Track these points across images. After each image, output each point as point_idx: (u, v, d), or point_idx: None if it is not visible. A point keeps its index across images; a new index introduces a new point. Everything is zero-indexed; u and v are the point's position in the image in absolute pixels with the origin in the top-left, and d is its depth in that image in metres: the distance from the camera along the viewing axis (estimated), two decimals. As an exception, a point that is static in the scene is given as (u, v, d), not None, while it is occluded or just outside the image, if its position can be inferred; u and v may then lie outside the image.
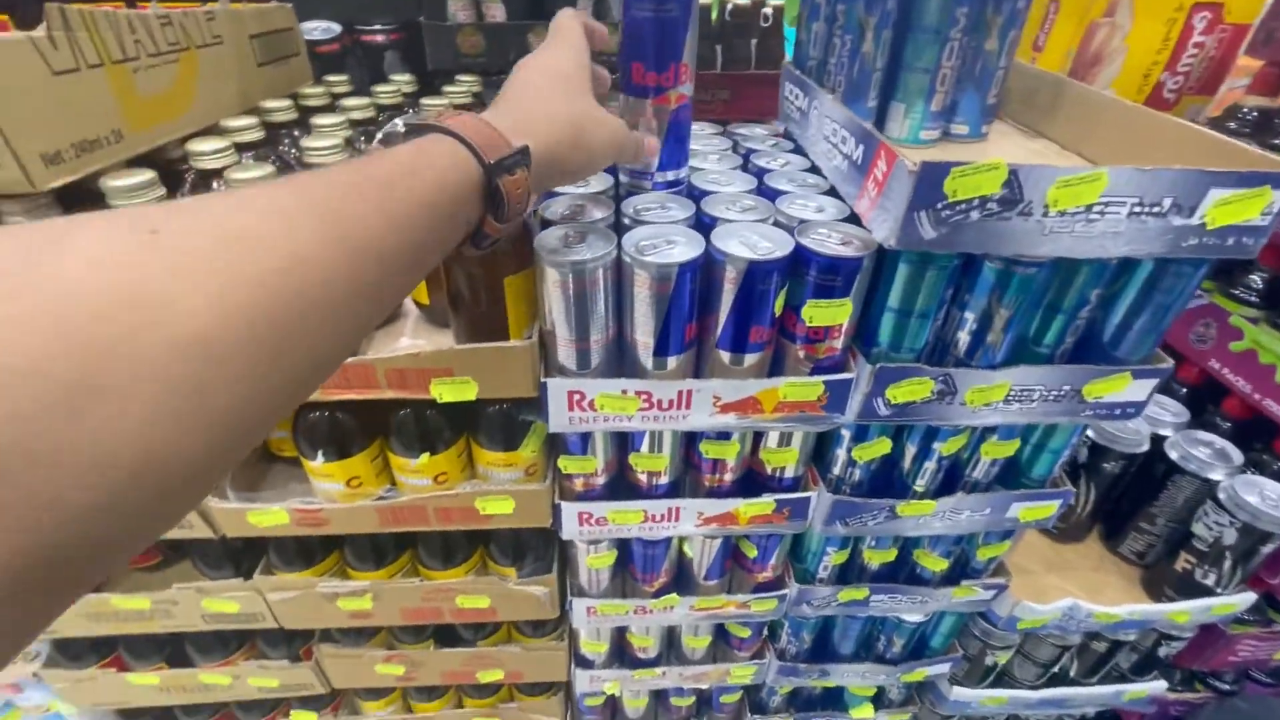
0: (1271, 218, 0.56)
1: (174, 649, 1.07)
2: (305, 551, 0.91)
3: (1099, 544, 1.22)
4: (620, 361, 0.70)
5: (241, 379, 0.24)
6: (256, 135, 0.76)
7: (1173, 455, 1.06)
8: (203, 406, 0.22)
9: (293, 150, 0.79)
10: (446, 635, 1.10)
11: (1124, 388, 0.70)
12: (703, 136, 0.97)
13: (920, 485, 0.83)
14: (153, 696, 1.08)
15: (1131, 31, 1.15)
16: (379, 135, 0.83)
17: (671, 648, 1.15)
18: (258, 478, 0.88)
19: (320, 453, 0.76)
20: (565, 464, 0.79)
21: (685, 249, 0.62)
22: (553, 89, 0.52)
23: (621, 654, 1.15)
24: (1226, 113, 1.15)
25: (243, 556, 0.93)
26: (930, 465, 0.81)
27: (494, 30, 1.16)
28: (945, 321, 0.68)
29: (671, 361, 0.68)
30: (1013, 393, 0.71)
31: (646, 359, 0.67)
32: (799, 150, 0.90)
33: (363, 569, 0.92)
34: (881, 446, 0.79)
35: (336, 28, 1.19)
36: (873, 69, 0.78)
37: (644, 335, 0.66)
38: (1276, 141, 1.04)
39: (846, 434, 0.79)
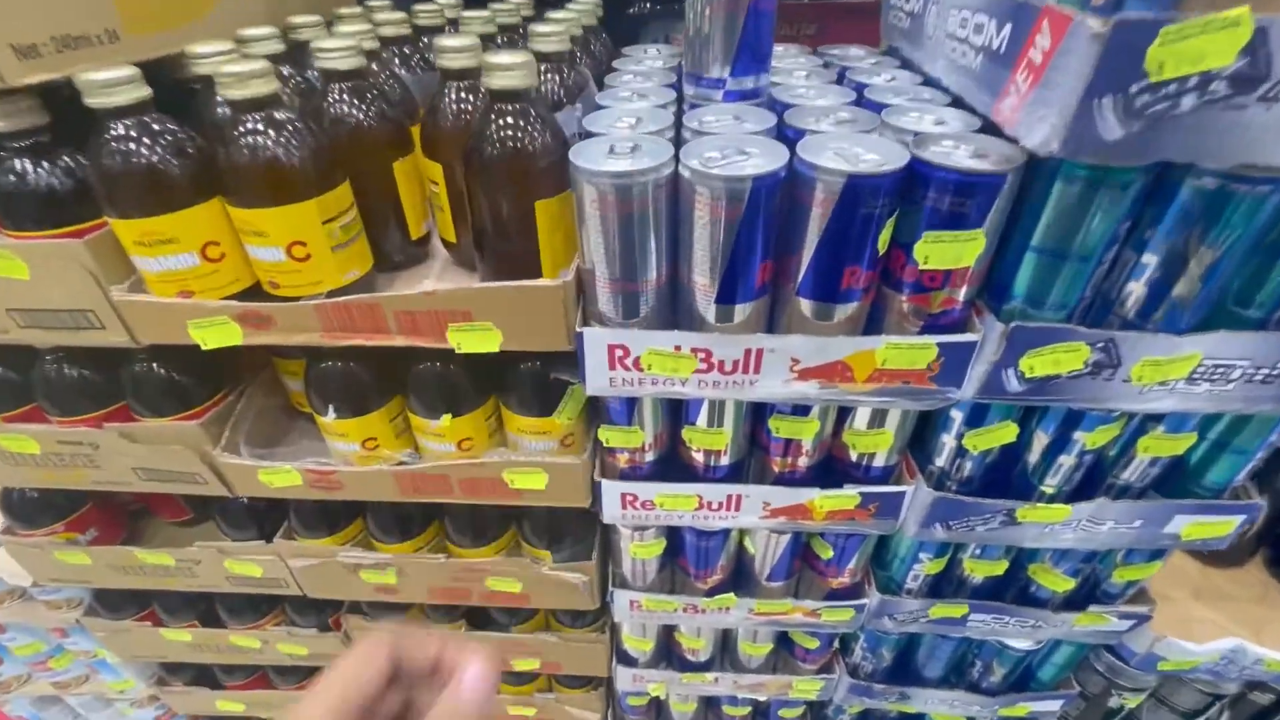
0: None
1: (206, 608, 1.04)
2: (328, 517, 0.84)
3: (1262, 571, 0.99)
4: (674, 311, 0.57)
5: None
6: (274, 48, 0.67)
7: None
8: None
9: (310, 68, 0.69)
10: (479, 618, 1.02)
11: (1371, 368, 0.51)
12: (786, 56, 0.81)
13: (1050, 485, 0.66)
14: (187, 653, 1.06)
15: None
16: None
17: (726, 652, 1.02)
18: (279, 434, 0.81)
19: (332, 408, 0.67)
20: (607, 435, 0.67)
21: (762, 161, 0.47)
22: None
23: (669, 653, 1.03)
24: None
25: (266, 519, 0.87)
26: (1067, 460, 0.63)
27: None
28: (1113, 267, 0.51)
29: (739, 311, 0.54)
30: (1202, 368, 0.52)
31: (707, 307, 0.54)
32: (906, 69, 0.73)
33: (386, 540, 0.84)
34: (1004, 434, 0.63)
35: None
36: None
37: (704, 276, 0.52)
38: None
39: (958, 416, 0.63)
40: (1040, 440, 0.64)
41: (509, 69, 0.51)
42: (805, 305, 0.54)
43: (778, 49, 0.86)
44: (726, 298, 0.53)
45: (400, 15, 0.78)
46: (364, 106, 0.60)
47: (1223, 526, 0.66)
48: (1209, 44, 0.36)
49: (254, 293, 0.60)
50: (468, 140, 0.54)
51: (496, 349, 0.58)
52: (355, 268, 0.61)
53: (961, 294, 0.52)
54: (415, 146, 0.65)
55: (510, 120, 0.53)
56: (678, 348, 0.55)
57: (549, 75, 0.67)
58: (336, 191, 0.57)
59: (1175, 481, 0.67)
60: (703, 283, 0.53)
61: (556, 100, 0.68)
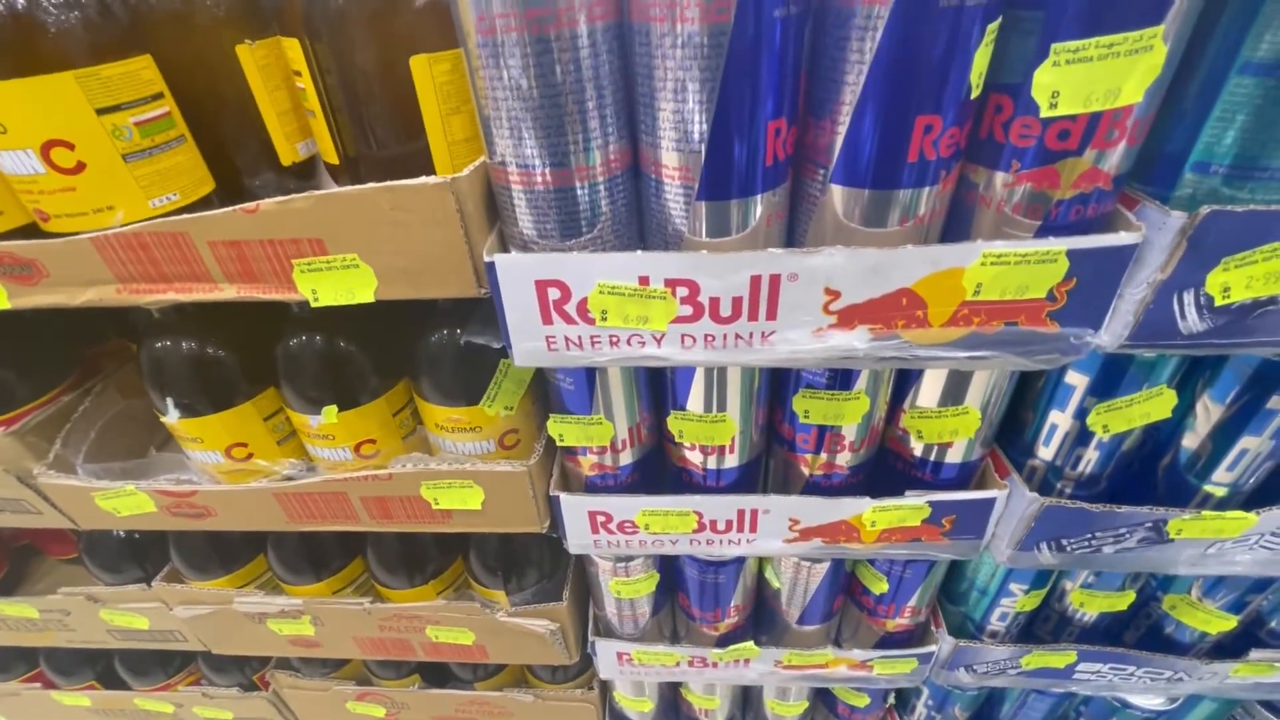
0: None
1: (105, 666, 0.84)
2: (221, 550, 0.65)
3: None
4: (641, 222, 0.37)
5: None
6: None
7: None
8: None
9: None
10: (435, 672, 0.81)
11: None
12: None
13: (1223, 482, 0.44)
14: (89, 719, 0.87)
15: None
16: None
17: (748, 711, 0.80)
18: (145, 443, 0.62)
19: (172, 402, 0.48)
20: (560, 430, 0.47)
21: (764, -72, 0.27)
22: None
23: (676, 713, 0.81)
24: None
25: (149, 554, 0.67)
26: (1257, 444, 0.42)
27: None
28: (1382, 102, 0.29)
29: (744, 209, 0.33)
30: None
31: (686, 207, 0.33)
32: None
33: (296, 580, 0.64)
34: (1159, 404, 0.41)
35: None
36: None
37: (679, 150, 0.32)
38: None
39: (1079, 381, 0.42)
40: (1211, 413, 0.42)
41: None
42: (850, 196, 0.33)
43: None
44: (717, 189, 0.32)
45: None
46: (180, -41, 0.41)
47: None
48: None
49: (27, 233, 0.41)
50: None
51: (371, 297, 0.38)
52: (173, 190, 0.41)
53: (1116, 159, 0.31)
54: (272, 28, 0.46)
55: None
56: (644, 279, 0.35)
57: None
58: (121, 66, 0.37)
59: None
60: (678, 164, 0.32)
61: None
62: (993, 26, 0.28)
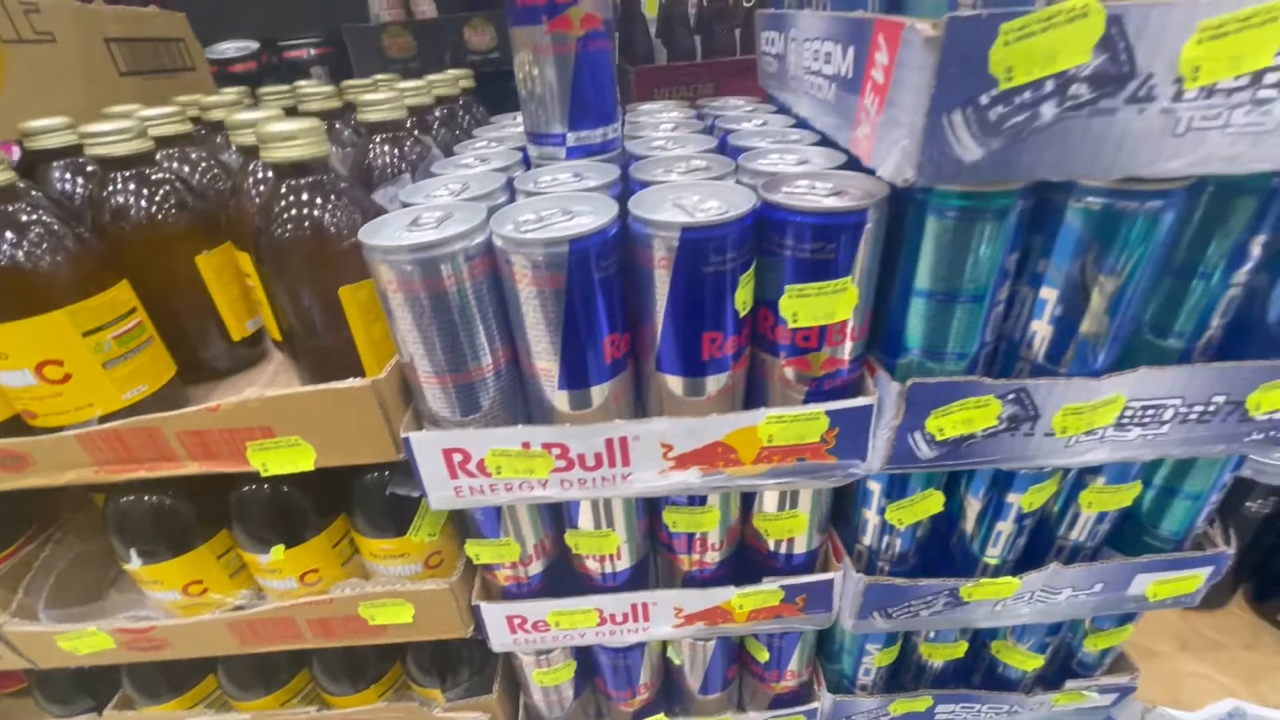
0: None
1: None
2: (171, 674, 0.70)
3: (1247, 610, 0.91)
4: (525, 399, 0.48)
5: None
6: (62, 139, 0.58)
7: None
8: None
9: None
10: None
11: (1315, 394, 0.44)
12: (660, 110, 0.77)
13: (993, 555, 0.57)
14: None
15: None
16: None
17: (675, 776, 0.88)
18: (102, 584, 0.67)
19: (135, 552, 0.55)
20: (476, 551, 0.56)
21: (585, 220, 0.40)
22: None
23: (611, 785, 0.88)
24: None
25: (99, 682, 0.72)
26: (1006, 526, 0.55)
27: (425, 27, 1.00)
28: (1011, 306, 0.44)
29: (594, 394, 0.45)
30: (1130, 411, 0.45)
31: (553, 394, 0.45)
32: (784, 114, 0.68)
33: (245, 695, 0.70)
34: (930, 503, 0.54)
35: (254, 45, 1.05)
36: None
37: (543, 358, 0.43)
38: None
39: (876, 487, 0.54)
40: (972, 506, 0.55)
41: (290, 139, 0.43)
42: (670, 381, 0.45)
43: (654, 105, 0.82)
44: (574, 382, 0.44)
45: (230, 97, 0.71)
46: (148, 198, 0.51)
47: (1190, 582, 0.58)
48: (1058, 40, 0.31)
49: (14, 427, 0.49)
50: (256, 225, 0.46)
51: (311, 467, 0.48)
52: (143, 383, 0.50)
53: (846, 351, 0.44)
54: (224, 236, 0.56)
55: (299, 197, 0.45)
56: (526, 445, 0.46)
57: (382, 147, 0.60)
58: (104, 297, 0.47)
59: (1130, 536, 0.59)
60: (544, 366, 0.44)
61: (395, 170, 0.60)
62: (746, 275, 0.41)
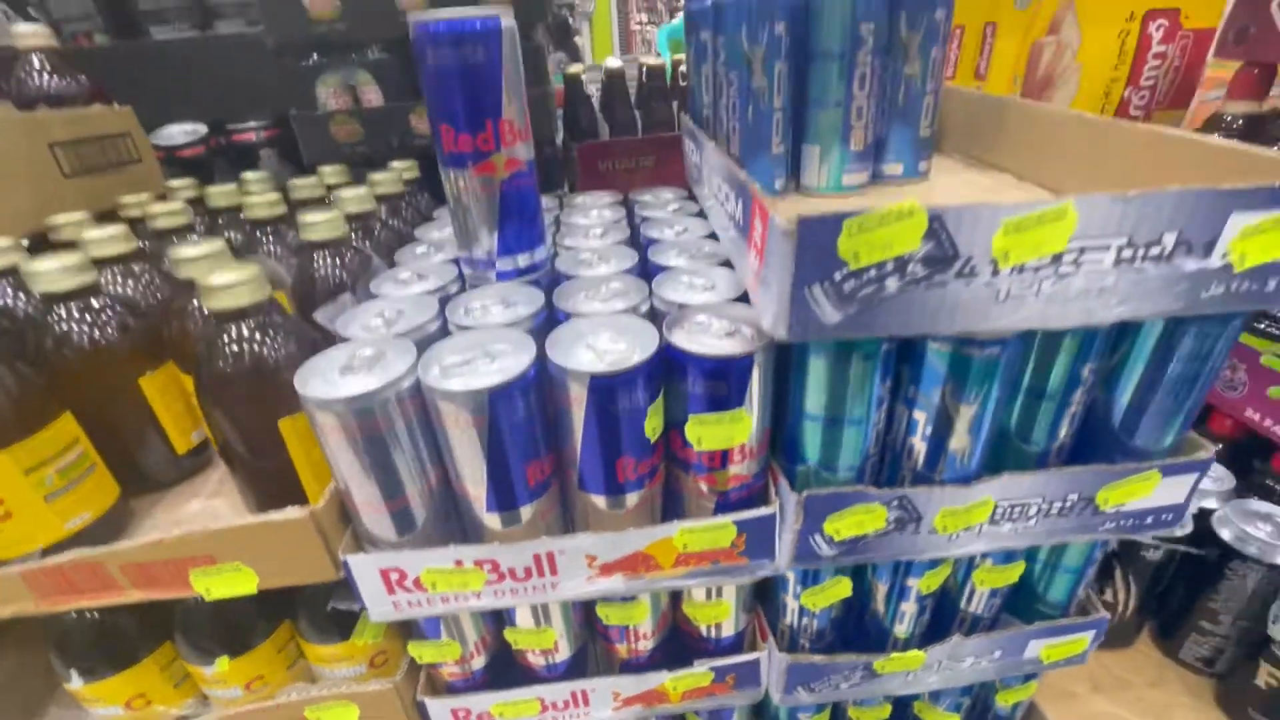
0: (1328, 247, 0.38)
1: None
2: (114, 782, 0.69)
3: (1154, 648, 0.98)
4: (456, 516, 0.51)
5: None
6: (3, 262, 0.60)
7: (1225, 535, 0.85)
8: None
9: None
10: None
11: (1152, 490, 0.51)
12: (596, 207, 0.82)
13: (901, 630, 0.62)
14: None
15: (1082, 47, 1.03)
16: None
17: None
18: (44, 698, 0.67)
19: (75, 672, 0.56)
20: (419, 651, 0.59)
21: (504, 365, 0.44)
22: None
23: None
24: (1208, 124, 1.00)
25: (37, 794, 0.71)
26: (909, 606, 0.60)
27: (371, 115, 1.04)
28: (892, 422, 0.50)
29: (524, 512, 0.49)
30: (1000, 510, 0.51)
31: (483, 514, 0.49)
32: (705, 215, 0.74)
33: (191, 799, 0.70)
34: (839, 589, 0.59)
35: (202, 129, 1.08)
36: (771, 109, 0.63)
37: (472, 485, 0.47)
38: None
39: (791, 576, 0.59)
40: (879, 589, 0.60)
41: (230, 288, 0.47)
42: (592, 498, 0.49)
43: (590, 198, 0.88)
44: (502, 504, 0.48)
45: (175, 206, 0.73)
46: (91, 326, 0.53)
47: (1077, 644, 0.64)
48: (893, 233, 0.36)
49: (-47, 558, 0.50)
50: (196, 362, 0.49)
51: (254, 590, 0.50)
52: (86, 510, 0.52)
53: (749, 468, 0.49)
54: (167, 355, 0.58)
55: (239, 337, 0.48)
56: (459, 562, 0.49)
57: (323, 261, 0.64)
58: (47, 432, 0.49)
59: (1024, 604, 0.64)
60: (473, 492, 0.48)
61: (336, 284, 0.64)
62: (654, 407, 0.46)
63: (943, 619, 0.64)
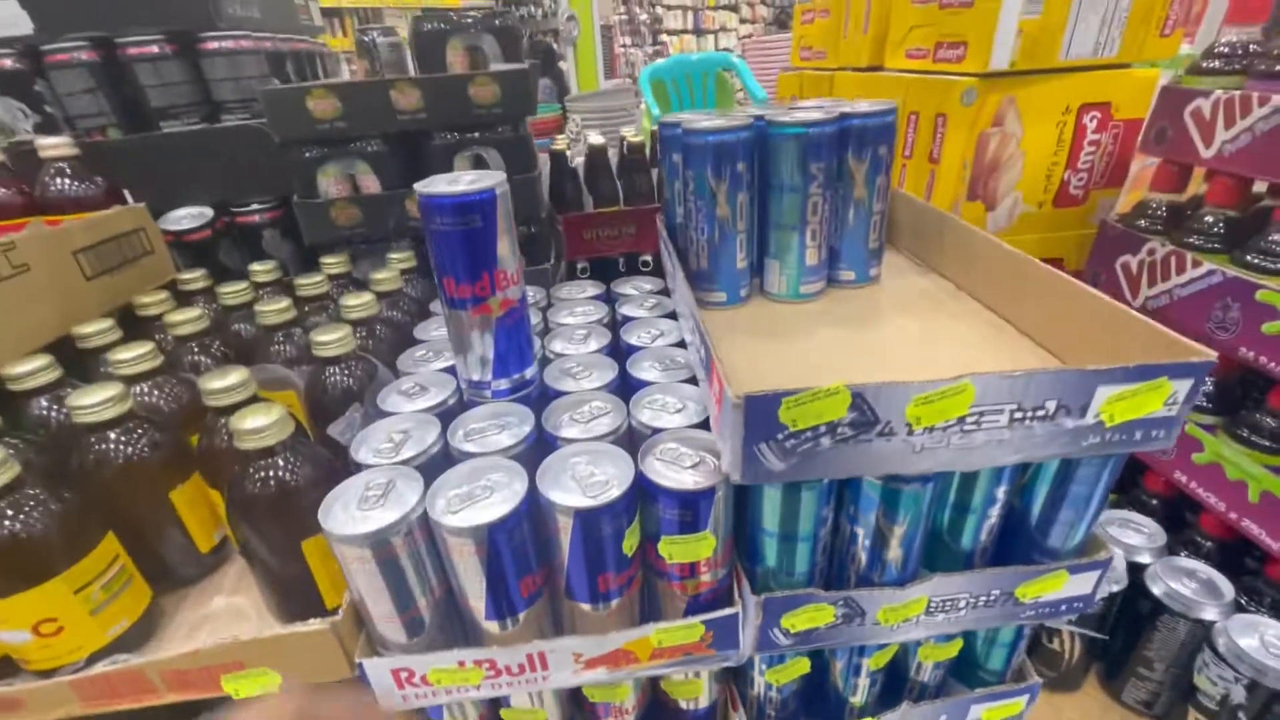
0: (1179, 406, 0.46)
1: None
2: None
3: (1100, 691, 1.06)
4: (459, 620, 0.58)
5: None
6: (43, 380, 0.66)
7: (1155, 591, 0.94)
8: None
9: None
10: None
11: (1062, 585, 0.59)
12: (579, 301, 0.89)
13: (857, 700, 0.70)
14: None
15: (1024, 136, 1.13)
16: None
17: None
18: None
19: None
20: (423, 732, 0.65)
21: (501, 497, 0.51)
22: None
23: None
24: (1136, 209, 1.10)
25: None
26: (862, 681, 0.68)
27: (369, 201, 1.11)
28: (837, 535, 0.57)
29: (519, 619, 0.56)
30: (934, 604, 0.59)
31: (482, 622, 0.55)
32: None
33: None
34: (799, 667, 0.66)
35: (209, 213, 1.14)
36: (735, 232, 0.72)
37: (473, 599, 0.54)
38: (1191, 239, 0.98)
39: (756, 657, 0.66)
40: (836, 666, 0.68)
41: (259, 432, 0.53)
42: (579, 605, 0.56)
43: (575, 288, 0.95)
44: (499, 613, 0.55)
45: (193, 314, 0.80)
46: (126, 447, 0.60)
47: (1013, 707, 0.72)
48: (823, 407, 0.44)
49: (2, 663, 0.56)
50: (227, 491, 0.55)
51: (278, 689, 0.56)
52: (124, 618, 0.58)
53: (714, 575, 0.57)
54: (193, 465, 0.65)
55: (265, 473, 0.55)
56: (461, 663, 0.56)
57: (333, 373, 0.70)
58: (93, 555, 0.55)
59: (967, 671, 0.72)
60: (474, 604, 0.54)
61: (346, 391, 0.70)
62: (631, 528, 0.53)
63: (894, 686, 0.71)
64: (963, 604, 0.59)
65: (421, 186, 0.57)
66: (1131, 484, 1.17)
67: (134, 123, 1.08)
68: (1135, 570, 0.99)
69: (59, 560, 0.53)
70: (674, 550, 0.54)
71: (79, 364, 0.74)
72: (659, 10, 8.00)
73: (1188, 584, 0.93)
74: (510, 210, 0.59)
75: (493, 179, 0.57)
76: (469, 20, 1.17)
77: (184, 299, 0.94)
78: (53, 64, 1.03)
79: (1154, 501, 1.12)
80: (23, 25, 1.06)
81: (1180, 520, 1.08)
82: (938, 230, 0.80)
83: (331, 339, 0.69)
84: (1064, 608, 0.61)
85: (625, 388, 0.66)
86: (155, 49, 1.04)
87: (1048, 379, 0.44)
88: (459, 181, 0.57)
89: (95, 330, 0.76)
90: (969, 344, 0.63)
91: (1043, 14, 1.04)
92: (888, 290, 0.78)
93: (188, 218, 1.13)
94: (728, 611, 0.57)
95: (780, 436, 0.45)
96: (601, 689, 0.65)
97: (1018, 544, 0.59)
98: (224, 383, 0.60)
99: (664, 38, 8.03)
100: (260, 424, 0.53)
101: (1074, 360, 0.56)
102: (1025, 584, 0.58)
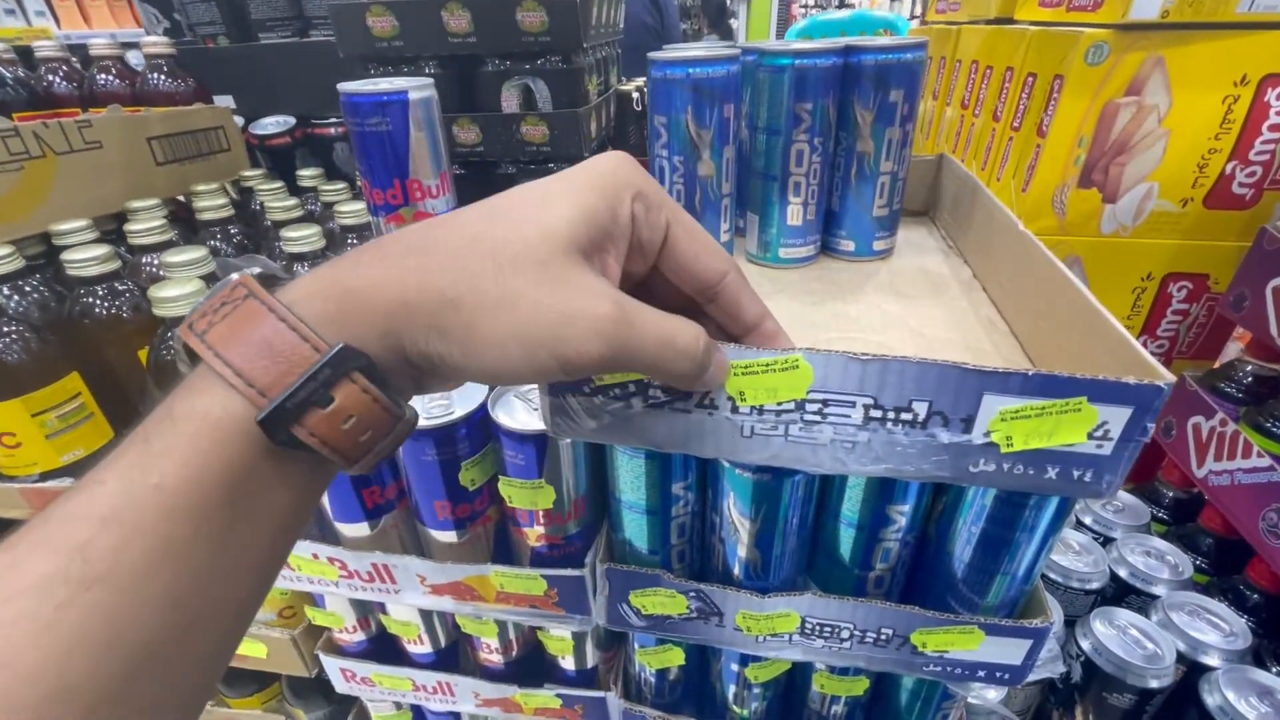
0: (1112, 444, 0.34)
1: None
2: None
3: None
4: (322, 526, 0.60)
5: None
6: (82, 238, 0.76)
7: (1209, 702, 0.74)
8: None
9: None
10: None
11: (977, 645, 0.47)
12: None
13: (743, 711, 0.63)
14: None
15: (1171, 111, 0.89)
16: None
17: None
18: None
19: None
20: (312, 615, 0.69)
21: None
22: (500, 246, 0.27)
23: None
24: (1224, 366, 0.84)
25: None
26: (744, 692, 0.61)
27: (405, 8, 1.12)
28: (702, 522, 0.50)
29: (366, 527, 0.56)
30: (809, 625, 0.50)
31: (334, 522, 0.56)
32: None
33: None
34: (671, 656, 0.60)
35: (290, 121, 1.24)
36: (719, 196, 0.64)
37: (326, 497, 0.55)
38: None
39: (632, 635, 0.62)
40: (714, 666, 0.61)
41: (171, 301, 0.57)
42: (427, 529, 0.55)
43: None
44: (345, 518, 0.55)
45: (218, 201, 0.87)
46: (106, 305, 0.67)
47: (934, 774, 0.60)
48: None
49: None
50: (149, 358, 0.60)
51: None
52: (79, 447, 0.66)
53: (562, 531, 0.53)
54: (167, 334, 0.72)
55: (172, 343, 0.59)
56: (315, 555, 0.57)
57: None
58: (54, 386, 0.63)
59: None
60: (325, 502, 0.55)
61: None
62: (472, 460, 0.51)
63: (793, 712, 0.63)
64: (846, 635, 0.50)
65: (346, 85, 0.56)
66: (1233, 568, 0.93)
67: (240, 32, 1.19)
68: (1195, 672, 0.79)
69: (23, 384, 0.61)
70: (511, 493, 0.50)
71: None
72: (848, -32, 7.40)
73: (1255, 705, 0.72)
74: (434, 119, 0.57)
75: (412, 83, 0.55)
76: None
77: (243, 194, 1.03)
78: (175, -28, 1.16)
79: (1255, 596, 0.88)
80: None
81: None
82: (969, 206, 0.66)
83: (300, 235, 0.72)
84: (982, 674, 0.49)
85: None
86: (258, -40, 1.13)
87: (911, 372, 0.34)
88: (380, 83, 0.56)
89: (143, 205, 0.86)
90: (937, 339, 0.51)
91: (1219, -53, 0.80)
92: (891, 269, 0.66)
93: (273, 124, 1.24)
94: (571, 571, 0.53)
95: (587, 390, 0.40)
96: (471, 622, 0.64)
97: (933, 584, 0.48)
98: (183, 258, 0.65)
99: (850, -1, 7.43)
100: (172, 294, 0.57)
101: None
102: (924, 630, 0.47)
